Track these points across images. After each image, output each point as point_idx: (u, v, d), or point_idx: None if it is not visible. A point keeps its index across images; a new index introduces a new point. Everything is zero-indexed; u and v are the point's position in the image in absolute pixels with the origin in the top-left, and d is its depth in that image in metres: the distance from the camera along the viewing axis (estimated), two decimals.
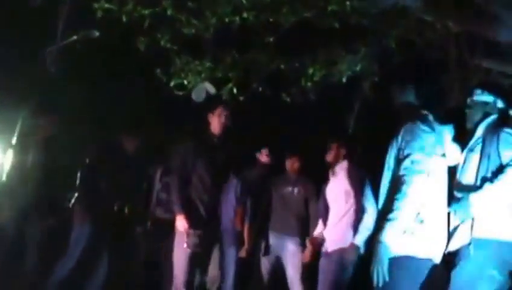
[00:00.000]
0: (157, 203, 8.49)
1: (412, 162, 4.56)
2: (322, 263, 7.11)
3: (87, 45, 8.61)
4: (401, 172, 4.57)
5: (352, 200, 7.00)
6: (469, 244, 4.87)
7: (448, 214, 4.98)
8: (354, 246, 6.88)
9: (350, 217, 6.99)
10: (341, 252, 6.90)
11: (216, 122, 7.31)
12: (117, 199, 7.88)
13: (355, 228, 6.92)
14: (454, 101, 8.22)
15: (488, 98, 5.15)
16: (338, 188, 7.17)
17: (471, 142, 5.07)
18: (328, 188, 7.32)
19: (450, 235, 4.96)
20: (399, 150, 4.68)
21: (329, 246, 7.06)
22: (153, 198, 8.51)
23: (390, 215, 4.49)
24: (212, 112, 7.36)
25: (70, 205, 8.31)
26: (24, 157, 7.65)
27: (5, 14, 8.26)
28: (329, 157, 7.34)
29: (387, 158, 4.81)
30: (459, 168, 5.10)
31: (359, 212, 6.94)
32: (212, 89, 9.18)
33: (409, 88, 4.99)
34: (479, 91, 5.22)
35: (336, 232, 7.07)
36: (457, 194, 4.98)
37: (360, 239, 6.89)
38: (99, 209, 7.83)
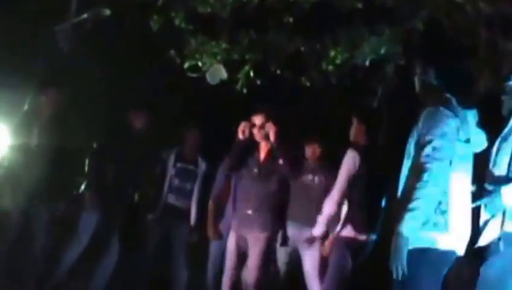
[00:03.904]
0: (169, 189, 8.26)
1: (434, 149, 4.31)
2: None
3: (98, 23, 8.42)
4: (422, 159, 4.32)
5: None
6: (499, 239, 4.65)
7: (478, 207, 4.78)
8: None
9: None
10: None
11: None
12: (127, 184, 7.71)
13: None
14: (483, 87, 7.89)
15: None
16: None
17: (505, 131, 4.85)
18: None
19: (480, 229, 4.79)
20: (420, 136, 4.43)
21: None
22: (165, 184, 8.21)
23: (410, 206, 4.24)
24: None
25: (80, 191, 8.17)
26: (29, 139, 7.39)
27: None
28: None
29: (407, 145, 4.58)
30: (491, 158, 4.87)
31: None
32: (223, 73, 8.96)
33: (431, 70, 4.68)
34: None
35: None
36: (488, 187, 4.76)
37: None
38: (108, 195, 7.72)
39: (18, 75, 7.96)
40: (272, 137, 6.96)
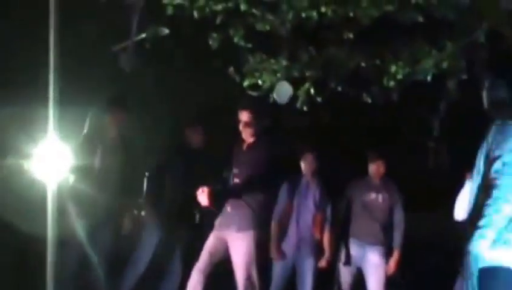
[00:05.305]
0: None
1: (504, 164, 4.18)
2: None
3: (156, 42, 8.44)
4: (492, 175, 4.20)
5: None
6: None
7: None
8: None
9: None
10: None
11: None
12: (188, 203, 7.61)
13: None
14: None
15: None
16: None
17: None
18: None
19: None
20: (489, 151, 4.31)
21: None
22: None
23: (480, 223, 4.13)
24: None
25: (141, 211, 8.17)
26: (91, 160, 7.39)
27: (74, 10, 8.16)
28: None
29: (476, 161, 4.44)
30: None
31: None
32: (290, 89, 8.84)
33: (500, 83, 4.53)
34: None
35: None
36: None
37: None
38: (168, 214, 7.67)
39: (80, 95, 8.01)
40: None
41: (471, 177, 4.54)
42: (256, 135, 6.67)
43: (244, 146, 6.76)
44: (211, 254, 6.63)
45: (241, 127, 6.67)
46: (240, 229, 6.52)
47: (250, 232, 6.50)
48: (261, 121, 6.70)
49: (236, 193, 6.64)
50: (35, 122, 5.98)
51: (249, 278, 6.49)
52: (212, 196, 6.35)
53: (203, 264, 6.60)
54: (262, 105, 7.26)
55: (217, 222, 6.75)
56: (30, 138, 6.16)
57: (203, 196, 6.36)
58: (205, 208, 6.59)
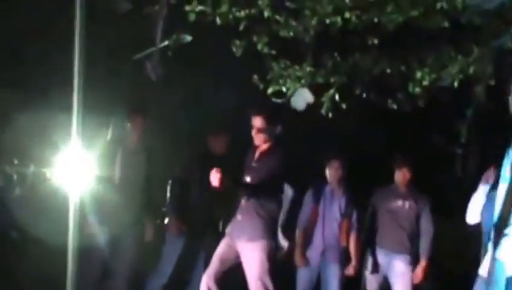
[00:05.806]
0: None
1: None
2: None
3: (179, 50, 8.44)
4: None
5: None
6: None
7: None
8: None
9: None
10: None
11: None
12: (211, 210, 7.62)
13: None
14: None
15: None
16: None
17: None
18: None
19: None
20: None
21: None
22: None
23: (507, 231, 4.10)
24: None
25: (164, 220, 8.14)
26: (113, 168, 7.36)
27: (96, 21, 8.21)
28: None
29: (502, 168, 4.36)
30: None
31: None
32: (309, 97, 8.78)
33: None
34: None
35: None
36: None
37: None
38: (192, 222, 7.61)
39: (104, 102, 8.01)
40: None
41: (484, 180, 4.49)
42: (269, 141, 6.62)
43: (257, 153, 6.70)
44: (222, 261, 6.56)
45: (253, 132, 6.61)
46: (250, 238, 6.46)
47: (262, 241, 6.43)
48: (274, 127, 6.64)
49: (247, 190, 6.57)
50: (59, 129, 5.98)
51: (262, 288, 6.46)
52: (224, 180, 6.20)
53: (214, 270, 6.53)
54: (275, 111, 7.16)
55: (228, 230, 6.69)
56: (53, 145, 6.16)
57: (215, 177, 6.23)
58: (214, 188, 6.52)
